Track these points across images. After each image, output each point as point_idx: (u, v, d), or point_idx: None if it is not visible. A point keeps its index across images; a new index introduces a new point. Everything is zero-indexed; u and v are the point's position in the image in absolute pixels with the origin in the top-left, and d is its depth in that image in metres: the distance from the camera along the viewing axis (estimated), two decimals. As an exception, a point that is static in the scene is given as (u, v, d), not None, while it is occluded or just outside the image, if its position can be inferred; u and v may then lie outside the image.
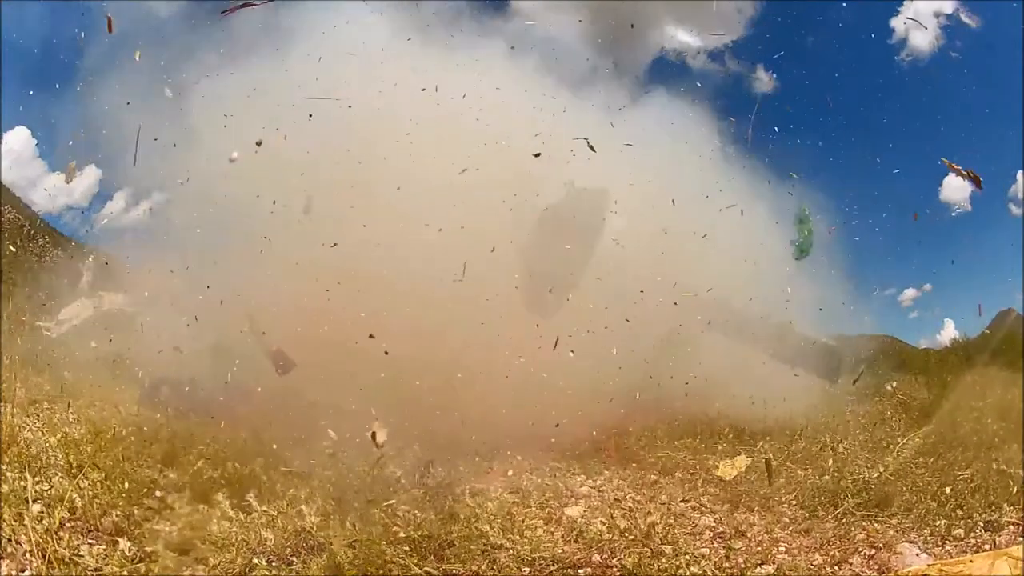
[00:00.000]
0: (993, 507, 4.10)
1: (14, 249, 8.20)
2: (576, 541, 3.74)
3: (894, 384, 8.67)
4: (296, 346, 6.67)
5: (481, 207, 6.99)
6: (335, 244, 6.60)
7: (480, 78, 7.51)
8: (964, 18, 9.84)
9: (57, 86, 8.28)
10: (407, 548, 3.41)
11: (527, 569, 3.40)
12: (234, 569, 3.15)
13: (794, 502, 4.54)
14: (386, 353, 5.97)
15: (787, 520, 4.25)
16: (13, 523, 3.00)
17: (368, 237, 6.81)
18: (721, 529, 4.15)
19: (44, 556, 2.90)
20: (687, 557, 3.52)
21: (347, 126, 7.18)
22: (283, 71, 7.56)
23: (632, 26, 8.72)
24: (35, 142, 9.04)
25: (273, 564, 3.24)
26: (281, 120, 7.03)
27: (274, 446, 5.14)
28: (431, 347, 6.62)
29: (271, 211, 6.82)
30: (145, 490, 3.86)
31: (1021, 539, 3.64)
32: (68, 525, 3.24)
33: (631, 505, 4.60)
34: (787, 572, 3.41)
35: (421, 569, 3.23)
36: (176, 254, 7.31)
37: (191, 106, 7.68)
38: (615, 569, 3.46)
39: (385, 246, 6.73)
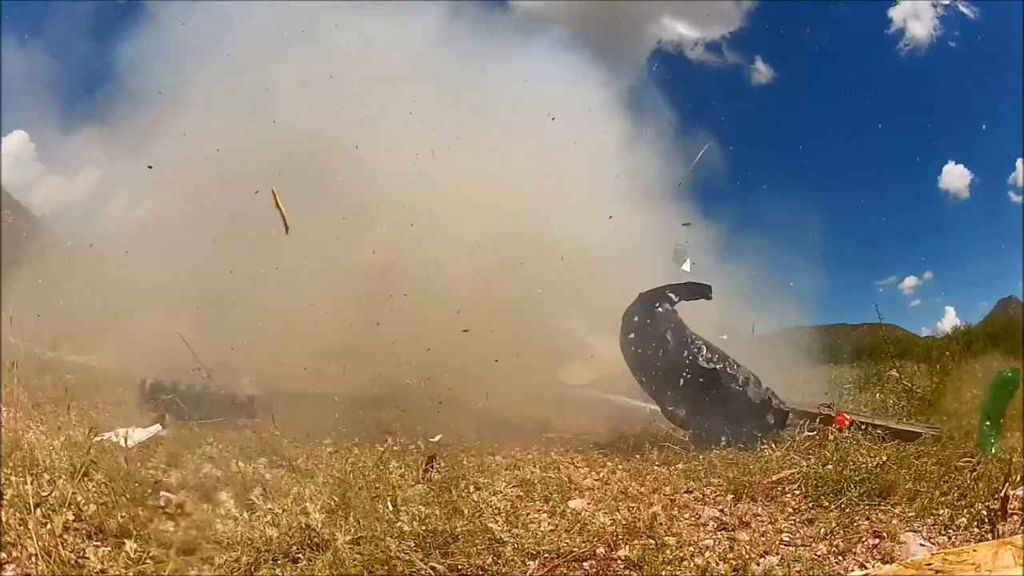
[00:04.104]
0: (996, 496, 4.09)
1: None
2: (580, 534, 3.73)
3: (896, 372, 8.69)
4: (298, 347, 6.70)
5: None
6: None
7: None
8: (962, 7, 9.79)
9: (58, 88, 8.29)
10: (412, 543, 3.41)
11: (532, 563, 3.40)
12: (239, 568, 3.15)
13: (798, 491, 4.54)
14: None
15: (791, 510, 4.25)
16: (18, 527, 3.00)
17: (374, 251, 6.95)
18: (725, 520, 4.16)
19: (49, 558, 2.89)
20: (691, 548, 3.53)
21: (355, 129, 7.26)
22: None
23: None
24: (33, 145, 9.04)
25: (278, 562, 3.24)
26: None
27: (277, 444, 5.16)
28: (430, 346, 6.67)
29: (272, 213, 6.86)
30: (149, 491, 3.87)
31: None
32: (73, 528, 3.23)
33: (635, 495, 4.61)
34: (791, 563, 3.40)
35: (426, 564, 3.22)
36: (175, 255, 7.31)
37: (192, 107, 7.69)
38: (619, 561, 3.46)
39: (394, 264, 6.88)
